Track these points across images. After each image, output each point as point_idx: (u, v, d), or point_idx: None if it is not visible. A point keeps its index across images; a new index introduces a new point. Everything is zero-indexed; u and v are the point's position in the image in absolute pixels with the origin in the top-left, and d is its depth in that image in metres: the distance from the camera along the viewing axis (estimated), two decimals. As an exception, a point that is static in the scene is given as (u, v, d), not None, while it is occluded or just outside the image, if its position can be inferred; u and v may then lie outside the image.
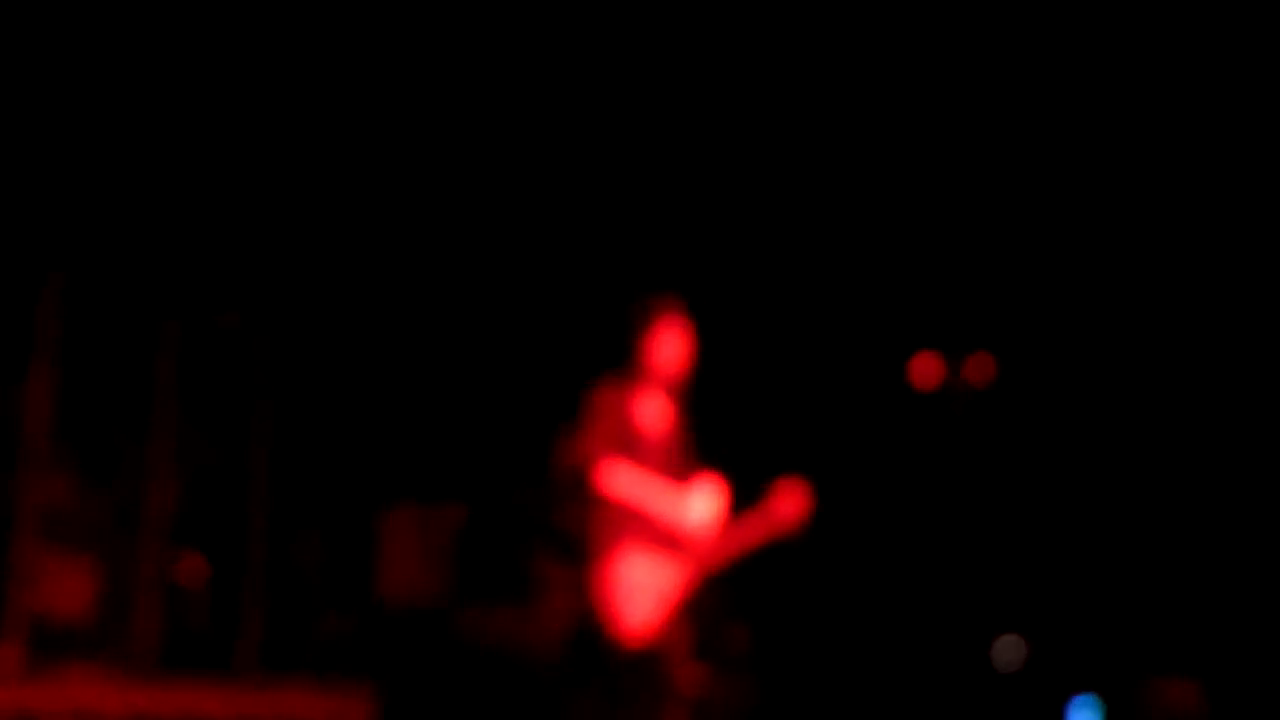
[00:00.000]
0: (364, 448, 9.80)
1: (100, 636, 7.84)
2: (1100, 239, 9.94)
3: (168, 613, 8.36)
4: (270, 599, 8.65)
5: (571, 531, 5.44)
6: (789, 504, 5.49)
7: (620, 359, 5.50)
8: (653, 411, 5.50)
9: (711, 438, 5.69)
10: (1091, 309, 9.96)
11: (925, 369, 5.99)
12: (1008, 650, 8.41)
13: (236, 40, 9.06)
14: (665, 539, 5.34)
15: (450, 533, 9.35)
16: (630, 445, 5.35)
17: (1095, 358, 9.89)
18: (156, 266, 8.83)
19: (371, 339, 9.98)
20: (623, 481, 5.29)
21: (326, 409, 9.71)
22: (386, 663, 8.02)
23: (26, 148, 8.65)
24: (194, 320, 8.55)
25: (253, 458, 8.61)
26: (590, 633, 5.25)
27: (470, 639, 7.83)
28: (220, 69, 9.10)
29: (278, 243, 9.54)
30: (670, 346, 5.50)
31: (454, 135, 9.87)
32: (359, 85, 9.52)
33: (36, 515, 7.68)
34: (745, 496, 5.61)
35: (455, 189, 10.03)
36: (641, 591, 5.29)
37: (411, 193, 9.99)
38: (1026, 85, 9.55)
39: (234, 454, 8.79)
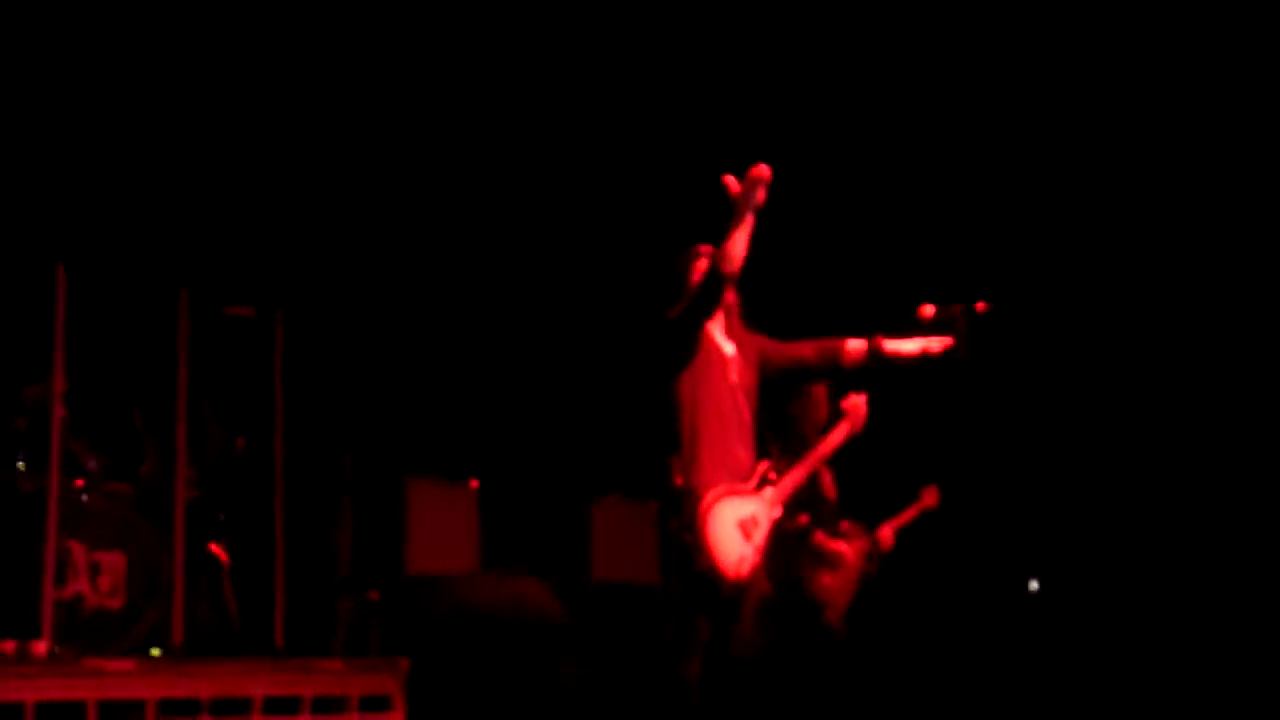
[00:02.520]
0: (387, 426, 9.84)
1: (129, 626, 7.87)
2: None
3: (196, 599, 8.39)
4: (297, 580, 8.66)
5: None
6: (854, 410, 6.36)
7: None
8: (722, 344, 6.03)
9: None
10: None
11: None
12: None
13: (249, 35, 9.07)
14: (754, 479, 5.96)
15: (475, 506, 9.40)
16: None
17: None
18: (169, 256, 8.85)
19: (389, 319, 10.00)
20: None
21: (347, 388, 9.74)
22: (413, 636, 8.04)
23: (32, 141, 8.68)
24: (209, 309, 8.53)
25: (273, 440, 8.59)
26: (695, 571, 5.75)
27: (485, 606, 7.86)
28: (234, 60, 9.12)
29: (292, 229, 9.56)
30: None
31: (474, 120, 9.86)
32: (373, 75, 9.51)
33: (60, 509, 7.69)
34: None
35: (471, 175, 10.02)
36: (737, 530, 5.80)
37: (425, 174, 9.99)
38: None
39: (255, 438, 8.80)
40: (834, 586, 7.72)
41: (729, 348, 6.09)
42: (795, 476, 6.21)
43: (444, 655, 7.68)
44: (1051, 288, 9.72)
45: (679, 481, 5.91)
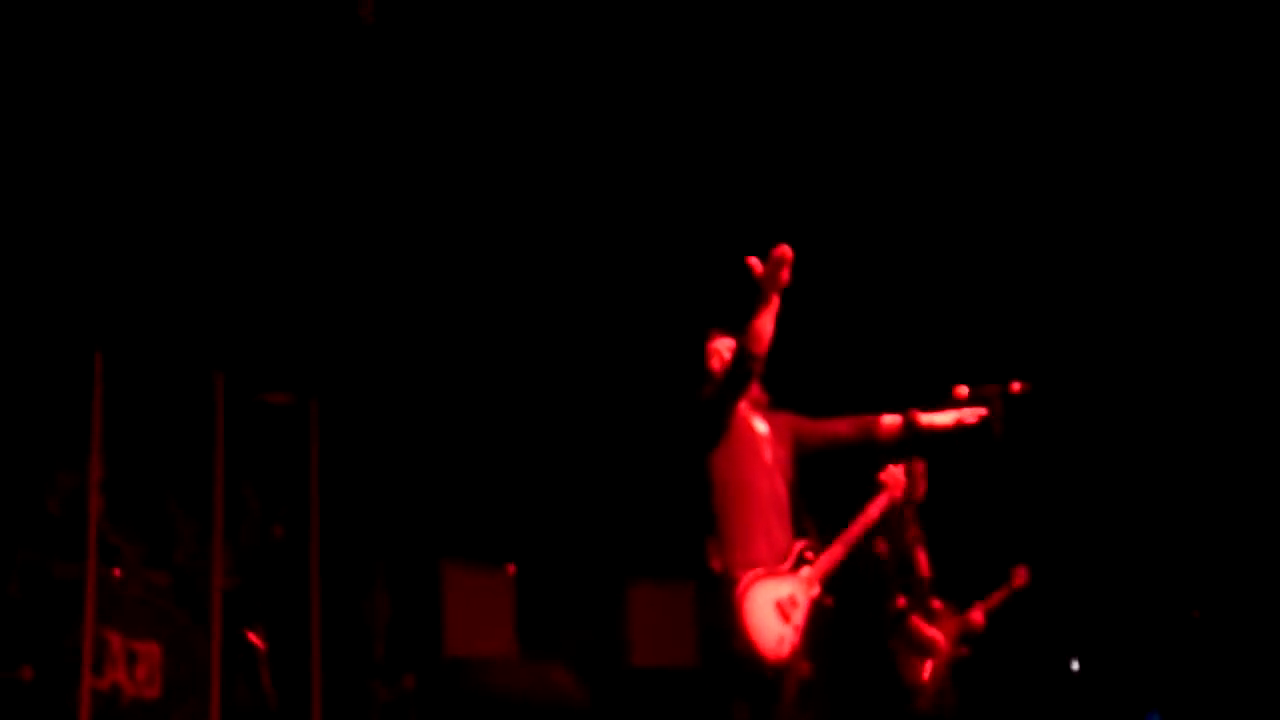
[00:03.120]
0: (423, 511, 9.84)
1: (167, 715, 7.85)
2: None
3: (233, 687, 8.37)
4: (334, 665, 8.64)
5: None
6: (893, 481, 6.28)
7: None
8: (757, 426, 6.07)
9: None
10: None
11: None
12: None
13: (281, 123, 9.15)
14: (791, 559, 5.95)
15: (511, 591, 9.38)
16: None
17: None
18: (204, 342, 8.89)
19: (425, 405, 10.02)
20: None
21: (383, 474, 9.76)
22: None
23: (69, 227, 8.75)
24: (245, 395, 8.56)
25: (310, 527, 8.60)
26: (733, 654, 5.75)
27: (510, 692, 7.85)
28: (272, 147, 9.19)
29: (327, 316, 9.61)
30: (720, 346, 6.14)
31: (506, 205, 9.91)
32: (409, 164, 9.57)
33: (98, 597, 7.70)
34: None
35: (504, 259, 10.06)
36: (775, 612, 5.79)
37: (458, 259, 10.03)
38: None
39: (291, 524, 8.81)
40: (926, 672, 7.68)
41: (762, 426, 6.10)
42: (834, 554, 6.16)
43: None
44: (1089, 367, 9.67)
45: (715, 564, 5.90)
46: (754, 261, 5.66)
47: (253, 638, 8.70)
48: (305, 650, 8.50)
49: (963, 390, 6.12)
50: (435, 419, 10.10)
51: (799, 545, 6.04)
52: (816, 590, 6.01)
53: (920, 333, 9.87)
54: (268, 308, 9.38)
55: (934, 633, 7.75)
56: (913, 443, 6.16)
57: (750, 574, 5.83)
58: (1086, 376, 9.80)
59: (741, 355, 5.81)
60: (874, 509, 6.30)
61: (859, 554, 7.12)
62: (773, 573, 5.89)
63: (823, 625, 8.28)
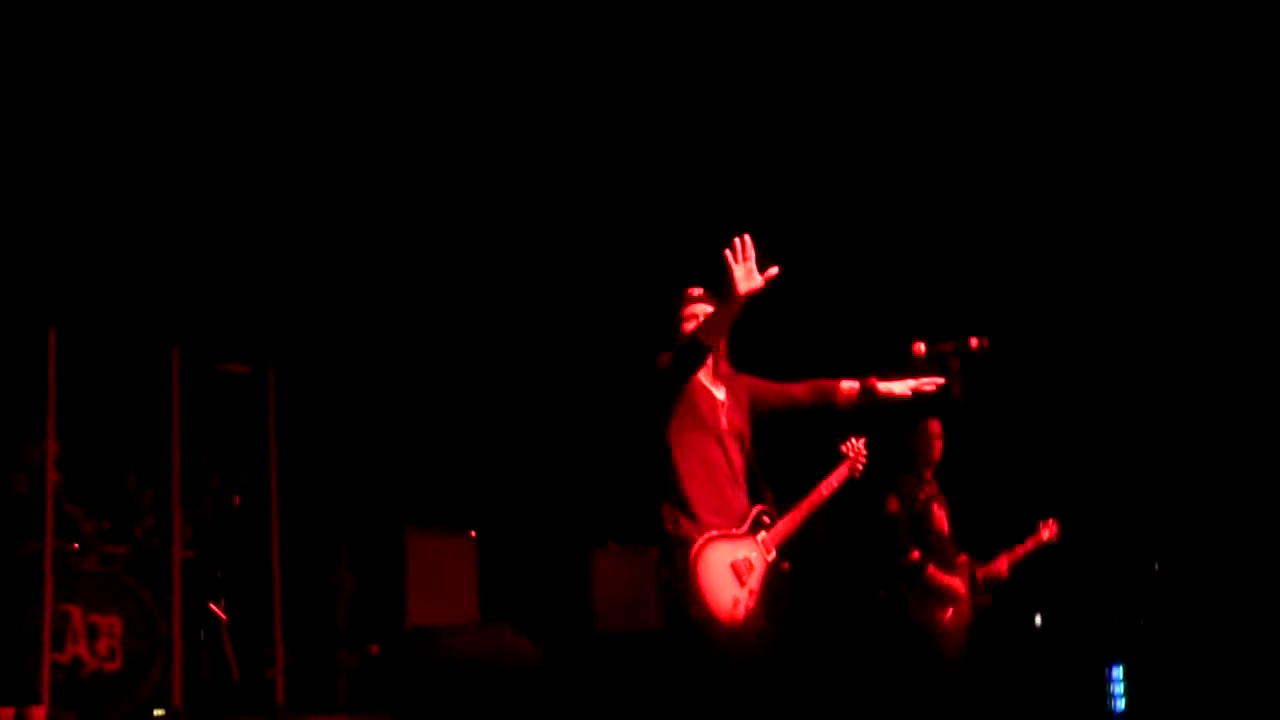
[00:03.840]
0: (385, 479, 9.81)
1: (128, 690, 7.82)
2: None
3: (196, 658, 8.35)
4: (297, 635, 8.63)
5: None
6: (855, 454, 6.32)
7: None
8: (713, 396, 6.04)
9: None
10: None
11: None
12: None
13: (236, 86, 9.08)
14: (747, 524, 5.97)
15: (474, 558, 9.36)
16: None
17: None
18: (161, 314, 8.84)
19: (385, 371, 9.98)
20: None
21: (343, 442, 9.72)
22: (402, 689, 8.00)
23: (23, 200, 8.68)
24: (202, 366, 8.52)
25: (270, 497, 8.57)
26: (686, 619, 5.76)
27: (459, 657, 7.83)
28: (224, 114, 9.12)
29: (283, 285, 9.55)
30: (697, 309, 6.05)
31: (460, 168, 9.86)
32: (362, 128, 9.52)
33: (57, 572, 7.67)
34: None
35: (461, 222, 10.01)
36: (730, 573, 5.81)
37: (415, 223, 9.98)
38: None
39: (251, 494, 8.77)
40: (947, 621, 7.72)
41: (719, 392, 6.08)
42: (792, 519, 6.16)
43: (430, 709, 7.64)
44: (1046, 322, 9.67)
45: (669, 527, 5.90)
46: (729, 255, 5.59)
47: (214, 609, 8.68)
48: (268, 620, 8.48)
49: (920, 347, 6.09)
50: (395, 386, 10.06)
51: (756, 509, 6.04)
52: (772, 554, 6.02)
53: (880, 289, 9.85)
54: (223, 278, 9.32)
55: (951, 579, 7.78)
56: (870, 409, 6.14)
57: (704, 536, 5.83)
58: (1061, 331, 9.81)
59: (694, 344, 5.82)
60: (834, 479, 6.30)
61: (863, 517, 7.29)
62: (727, 535, 5.89)
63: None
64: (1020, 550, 8.30)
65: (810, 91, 9.66)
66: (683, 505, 5.88)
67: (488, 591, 9.37)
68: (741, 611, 5.80)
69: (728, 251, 5.58)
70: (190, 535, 8.45)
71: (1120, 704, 8.99)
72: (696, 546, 5.80)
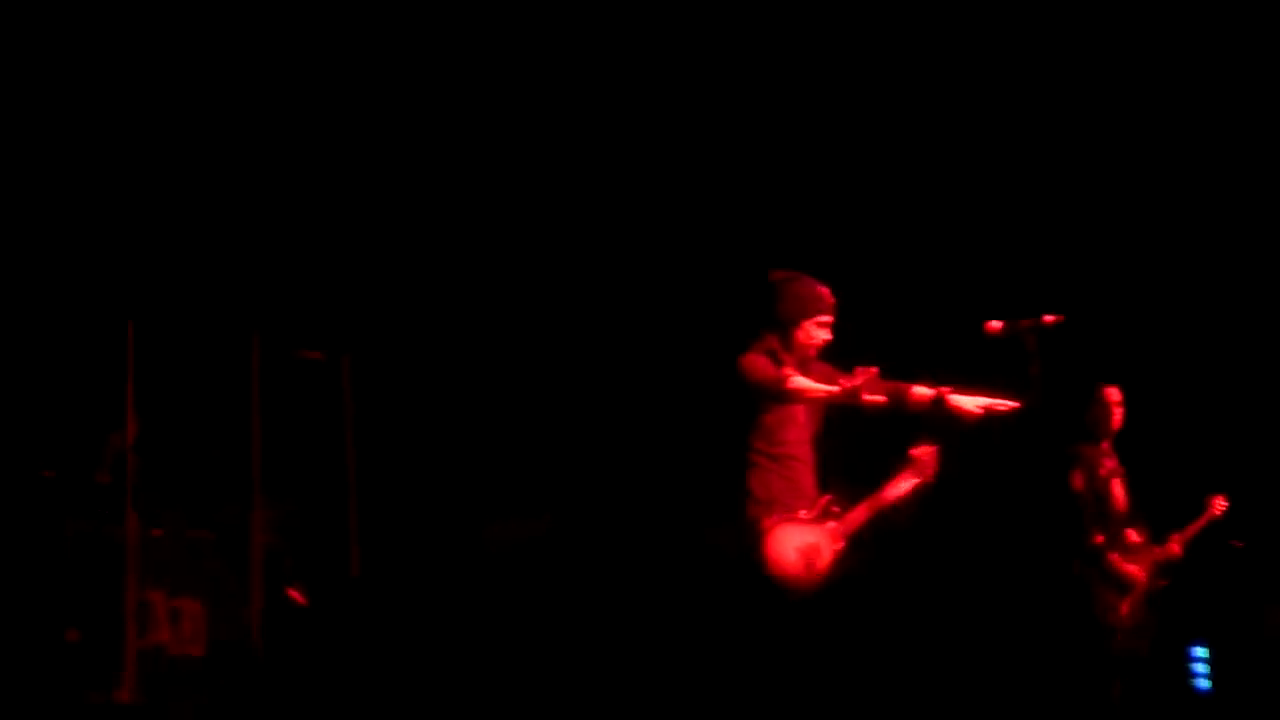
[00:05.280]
0: (460, 467, 9.84)
1: (212, 674, 7.91)
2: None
3: (277, 645, 8.42)
4: (375, 620, 8.67)
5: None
6: (923, 460, 6.19)
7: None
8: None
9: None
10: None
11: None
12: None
13: (318, 88, 9.16)
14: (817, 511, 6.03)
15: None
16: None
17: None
18: (239, 303, 8.92)
19: (455, 361, 10.01)
20: None
21: (419, 430, 9.76)
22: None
23: (102, 191, 8.80)
24: (280, 354, 8.60)
25: (348, 485, 8.64)
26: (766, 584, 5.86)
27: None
28: (306, 111, 9.21)
29: (359, 275, 9.61)
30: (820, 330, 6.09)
31: (519, 174, 9.89)
32: (442, 128, 9.57)
33: (142, 558, 7.77)
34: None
35: (527, 218, 10.04)
36: (798, 557, 5.89)
37: (485, 216, 10.01)
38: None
39: (330, 483, 8.84)
40: (1125, 610, 7.62)
41: (800, 381, 6.06)
42: (860, 513, 6.14)
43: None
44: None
45: (747, 511, 5.93)
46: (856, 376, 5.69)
47: (295, 595, 8.75)
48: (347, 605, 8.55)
49: (995, 325, 6.02)
50: (469, 374, 10.08)
51: (825, 499, 6.06)
52: (841, 544, 6.03)
53: (955, 268, 9.76)
54: (300, 267, 9.38)
55: (1131, 568, 7.62)
56: (940, 419, 6.03)
57: (774, 519, 5.90)
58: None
59: (785, 396, 5.90)
60: (902, 481, 6.22)
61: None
62: (797, 520, 5.94)
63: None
64: (1192, 529, 7.96)
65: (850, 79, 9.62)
66: (760, 489, 5.94)
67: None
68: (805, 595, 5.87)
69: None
70: (273, 520, 8.52)
71: (1204, 683, 8.87)
72: (766, 526, 5.89)
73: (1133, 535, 7.75)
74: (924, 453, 6.23)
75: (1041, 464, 7.09)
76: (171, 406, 8.42)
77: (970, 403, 5.87)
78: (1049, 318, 5.99)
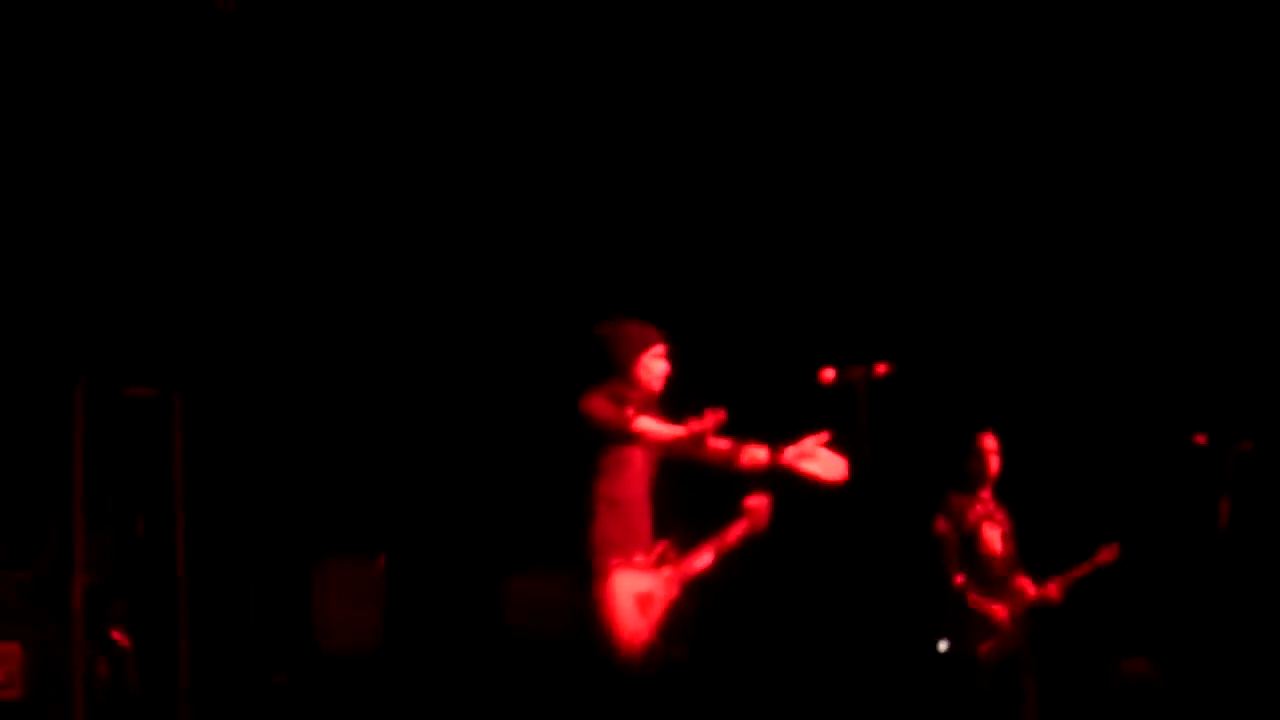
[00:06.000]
0: (288, 505, 9.74)
1: (30, 715, 7.73)
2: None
3: (100, 686, 8.27)
4: (203, 662, 8.56)
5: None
6: (756, 511, 6.20)
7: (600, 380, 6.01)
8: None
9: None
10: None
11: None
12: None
13: (141, 115, 9.02)
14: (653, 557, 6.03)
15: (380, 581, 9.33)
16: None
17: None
18: (63, 338, 8.75)
19: (288, 397, 9.91)
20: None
21: (246, 468, 9.65)
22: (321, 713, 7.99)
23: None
24: (108, 391, 8.45)
25: (174, 523, 8.51)
26: (592, 646, 5.84)
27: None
28: (133, 137, 9.05)
29: (191, 311, 9.48)
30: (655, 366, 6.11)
31: (361, 190, 9.82)
32: (266, 153, 9.47)
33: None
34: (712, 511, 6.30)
35: (373, 242, 9.97)
36: (635, 604, 5.87)
37: (324, 242, 9.93)
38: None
39: (155, 521, 8.70)
40: (985, 653, 7.62)
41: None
42: (695, 559, 6.16)
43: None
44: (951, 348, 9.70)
45: (586, 555, 5.92)
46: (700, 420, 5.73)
47: (118, 636, 8.60)
48: (173, 649, 8.41)
49: (829, 374, 6.10)
50: (301, 410, 9.99)
51: (661, 545, 6.08)
52: (675, 591, 6.05)
53: (786, 315, 9.87)
54: (129, 306, 9.23)
55: (995, 608, 7.68)
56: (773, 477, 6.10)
57: (613, 562, 5.88)
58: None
59: (631, 439, 5.90)
60: (734, 532, 6.24)
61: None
62: (634, 566, 5.94)
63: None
64: (1075, 573, 7.94)
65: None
66: (598, 533, 5.91)
67: (393, 617, 9.36)
68: (640, 642, 5.86)
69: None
70: (93, 561, 8.34)
71: None
72: (605, 572, 5.85)
73: (1020, 579, 7.84)
74: (758, 503, 6.26)
75: (876, 515, 7.16)
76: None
77: (808, 465, 5.94)
78: (881, 367, 6.08)
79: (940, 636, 7.72)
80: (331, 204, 9.76)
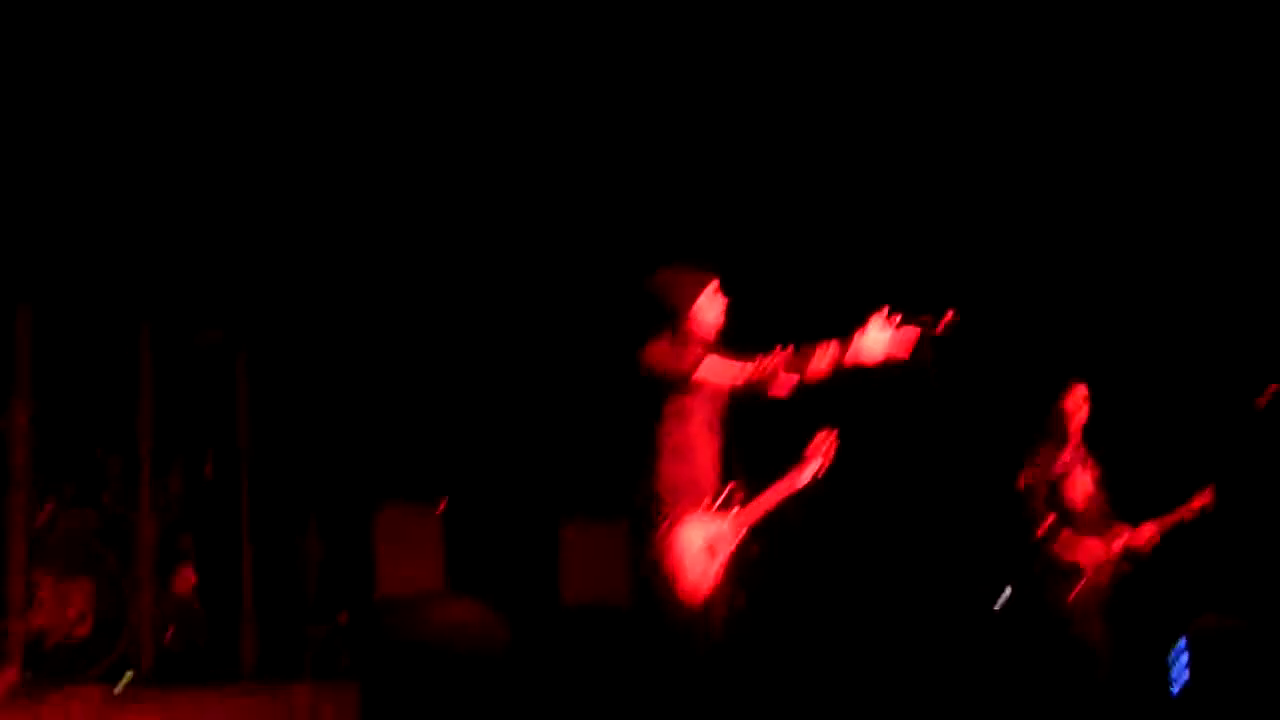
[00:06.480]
0: (352, 450, 9.84)
1: (97, 655, 7.85)
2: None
3: (164, 627, 8.39)
4: (266, 606, 8.67)
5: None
6: (822, 453, 6.19)
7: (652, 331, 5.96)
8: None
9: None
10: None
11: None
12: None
13: (209, 66, 9.07)
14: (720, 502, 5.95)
15: (441, 528, 9.42)
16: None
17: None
18: (131, 284, 8.84)
19: (351, 344, 10.00)
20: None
21: (311, 414, 9.75)
22: (371, 660, 8.08)
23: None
24: (173, 336, 8.55)
25: (240, 467, 8.62)
26: (652, 593, 5.79)
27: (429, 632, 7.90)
28: (193, 92, 9.12)
29: (258, 257, 9.56)
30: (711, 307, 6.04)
31: (431, 145, 9.87)
32: (335, 108, 9.52)
33: (27, 539, 7.69)
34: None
35: (434, 196, 10.02)
36: (702, 552, 5.82)
37: (391, 196, 9.99)
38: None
39: (221, 465, 8.81)
40: (1069, 599, 7.60)
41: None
42: (763, 503, 6.12)
43: (397, 680, 7.71)
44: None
45: (643, 502, 5.93)
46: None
47: (184, 577, 8.72)
48: (237, 589, 8.53)
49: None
50: (364, 359, 10.08)
51: (728, 487, 6.05)
52: (741, 537, 6.00)
53: (849, 262, 9.84)
54: (196, 250, 9.32)
55: (1078, 556, 7.59)
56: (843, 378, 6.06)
57: (681, 509, 5.85)
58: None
59: (689, 381, 5.84)
60: (797, 476, 6.20)
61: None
62: (701, 512, 5.90)
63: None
64: (1169, 520, 7.85)
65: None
66: (659, 480, 5.89)
67: (454, 563, 9.45)
68: (705, 589, 5.83)
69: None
70: (162, 503, 8.46)
71: (1178, 686, 8.90)
72: (671, 520, 5.82)
73: (1116, 525, 7.78)
74: (817, 448, 6.26)
75: (948, 458, 7.14)
76: (64, 389, 8.33)
77: (867, 348, 5.68)
78: (944, 317, 6.02)
79: (1008, 587, 7.70)
80: (398, 151, 9.81)
